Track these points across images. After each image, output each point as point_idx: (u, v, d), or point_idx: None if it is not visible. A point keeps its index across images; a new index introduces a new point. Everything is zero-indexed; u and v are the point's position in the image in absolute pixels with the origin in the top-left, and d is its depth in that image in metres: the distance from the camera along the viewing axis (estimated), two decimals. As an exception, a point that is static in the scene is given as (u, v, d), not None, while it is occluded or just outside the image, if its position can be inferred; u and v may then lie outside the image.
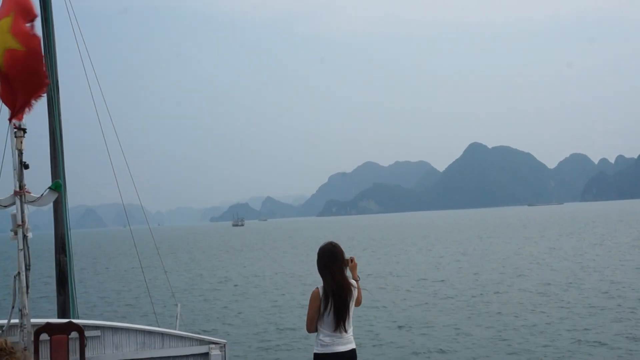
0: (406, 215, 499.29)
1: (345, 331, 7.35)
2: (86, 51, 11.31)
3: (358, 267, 7.69)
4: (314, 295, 7.40)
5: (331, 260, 7.41)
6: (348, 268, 7.51)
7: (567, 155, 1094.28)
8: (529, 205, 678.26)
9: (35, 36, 6.92)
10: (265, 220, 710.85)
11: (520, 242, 71.17)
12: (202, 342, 9.84)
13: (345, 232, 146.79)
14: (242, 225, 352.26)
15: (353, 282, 7.52)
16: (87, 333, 9.11)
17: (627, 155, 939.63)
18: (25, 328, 7.90)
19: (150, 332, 9.69)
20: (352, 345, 7.44)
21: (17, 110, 7.16)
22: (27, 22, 6.87)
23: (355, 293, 7.47)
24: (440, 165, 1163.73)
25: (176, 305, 12.20)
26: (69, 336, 8.87)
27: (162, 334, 9.74)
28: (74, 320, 9.22)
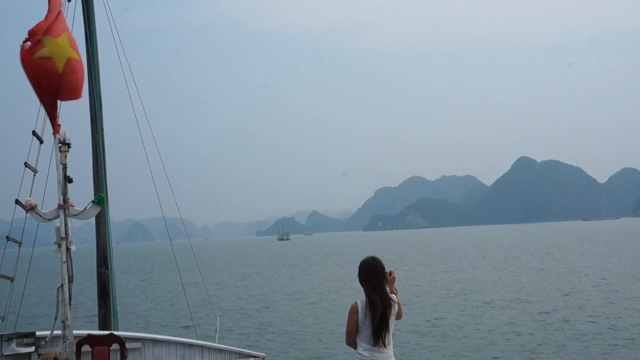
0: (453, 230, 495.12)
1: (385, 346, 7.24)
2: (127, 64, 11.53)
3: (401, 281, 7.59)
4: (353, 309, 7.30)
5: (371, 274, 7.32)
6: (387, 282, 7.41)
7: (618, 170, 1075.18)
8: (584, 220, 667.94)
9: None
10: (311, 234, 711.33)
11: (594, 257, 70.07)
12: (241, 355, 9.89)
13: (394, 246, 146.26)
14: (288, 239, 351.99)
15: (393, 296, 7.44)
16: (128, 345, 9.25)
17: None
18: (67, 339, 8.08)
19: (190, 345, 9.78)
20: None
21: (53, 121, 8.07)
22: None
23: (395, 307, 7.38)
24: (488, 179, 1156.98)
25: (216, 318, 12.30)
26: (110, 348, 9.03)
27: (202, 347, 9.82)
28: (115, 332, 9.36)
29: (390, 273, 7.51)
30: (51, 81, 7.75)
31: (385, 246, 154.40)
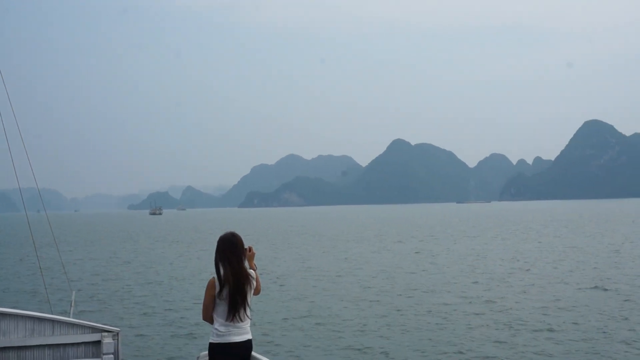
0: (328, 208, 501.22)
1: (242, 320, 7.32)
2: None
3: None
4: (210, 284, 7.33)
5: (230, 249, 7.35)
6: (246, 257, 7.47)
7: (487, 155, 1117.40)
8: (458, 202, 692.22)
9: None
10: (184, 209, 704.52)
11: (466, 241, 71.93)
12: (94, 329, 9.66)
13: (269, 223, 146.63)
14: (160, 214, 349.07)
15: (252, 272, 7.48)
16: None
17: (544, 157, 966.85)
18: None
19: (40, 319, 9.47)
20: (248, 336, 7.42)
21: None
22: None
23: (254, 283, 7.44)
24: (363, 160, 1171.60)
25: (71, 292, 11.96)
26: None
27: (53, 321, 9.53)
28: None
29: (250, 249, 7.51)
30: None
31: (257, 223, 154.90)
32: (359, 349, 19.23)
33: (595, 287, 30.91)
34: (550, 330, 21.41)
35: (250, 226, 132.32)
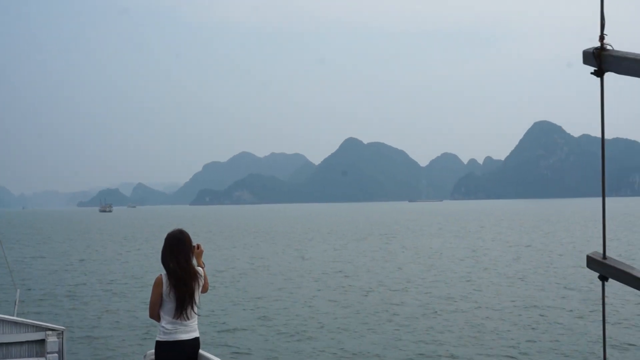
0: (280, 206, 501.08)
1: (189, 318, 7.25)
2: None
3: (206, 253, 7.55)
4: (157, 282, 7.26)
5: (177, 246, 7.30)
6: (194, 255, 7.41)
7: (439, 155, 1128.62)
8: (410, 201, 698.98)
9: None
10: (134, 207, 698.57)
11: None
12: (38, 328, 9.47)
13: (221, 221, 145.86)
14: (110, 211, 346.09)
15: (200, 269, 7.45)
16: None
17: (494, 157, 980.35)
18: None
19: None
20: (195, 334, 7.34)
21: None
22: None
23: (201, 280, 7.40)
24: (316, 158, 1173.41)
25: (16, 290, 11.70)
26: None
27: None
28: None
29: (198, 246, 7.49)
30: None
31: (209, 221, 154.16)
32: (311, 350, 19.10)
33: (555, 285, 31.45)
34: (511, 329, 21.72)
35: (202, 224, 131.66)
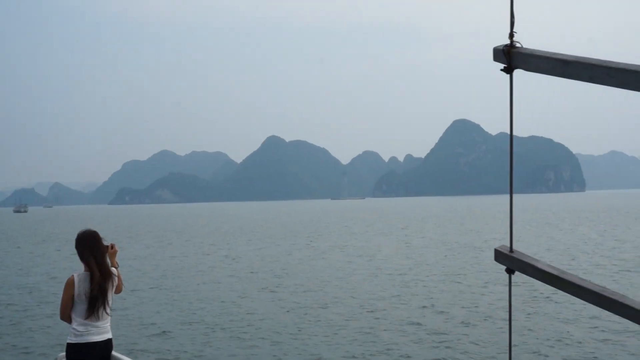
0: (202, 205, 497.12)
1: (101, 319, 7.16)
2: None
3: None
4: (69, 282, 7.14)
5: (89, 246, 7.21)
6: (108, 255, 7.36)
7: (360, 152, 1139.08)
8: (332, 199, 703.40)
9: None
10: (51, 207, 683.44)
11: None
12: None
13: (141, 220, 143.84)
14: (25, 211, 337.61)
15: (114, 269, 7.38)
16: None
17: (415, 155, 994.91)
18: None
19: None
20: (108, 335, 7.25)
21: None
22: None
23: (115, 280, 7.33)
24: (238, 157, 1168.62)
25: None
26: None
27: None
28: None
29: (112, 246, 7.42)
30: None
31: (128, 220, 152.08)
32: (229, 354, 18.85)
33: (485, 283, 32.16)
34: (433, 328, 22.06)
35: (122, 224, 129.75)
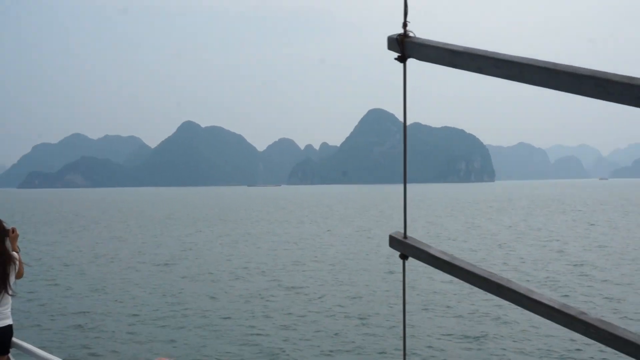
0: (114, 190, 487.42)
1: (1, 304, 7.04)
2: None
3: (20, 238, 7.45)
4: None
5: None
6: (9, 239, 7.21)
7: (276, 140, 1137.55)
8: (248, 185, 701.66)
9: None
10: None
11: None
12: None
13: (50, 205, 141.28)
14: None
15: (15, 254, 7.22)
16: None
17: (330, 143, 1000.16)
18: None
19: None
20: (8, 321, 7.10)
21: None
22: None
23: (17, 264, 7.17)
24: (153, 141, 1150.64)
25: None
26: None
27: None
28: None
29: (13, 230, 7.27)
30: None
31: (37, 205, 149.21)
32: (137, 342, 18.35)
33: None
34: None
35: (31, 209, 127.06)
